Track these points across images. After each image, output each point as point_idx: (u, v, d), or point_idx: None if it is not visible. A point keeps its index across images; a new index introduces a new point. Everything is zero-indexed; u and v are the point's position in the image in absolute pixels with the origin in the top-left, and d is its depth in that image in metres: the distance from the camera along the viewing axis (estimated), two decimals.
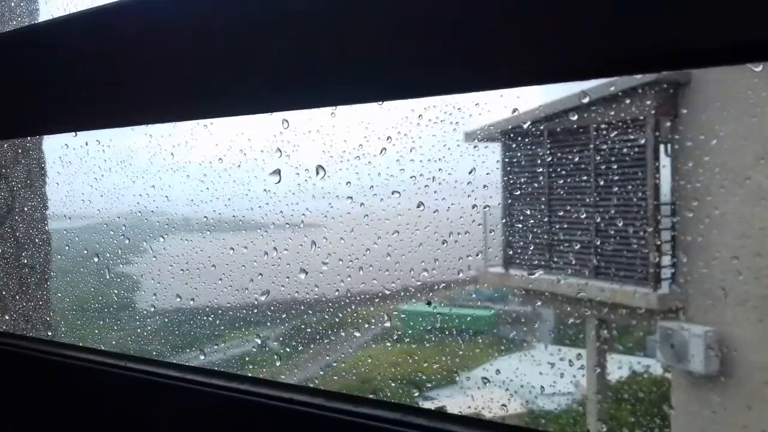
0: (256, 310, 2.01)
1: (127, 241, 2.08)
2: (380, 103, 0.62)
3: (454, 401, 2.06)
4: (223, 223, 1.98)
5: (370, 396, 0.78)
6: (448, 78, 0.50)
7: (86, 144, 1.90)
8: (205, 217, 1.98)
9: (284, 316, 1.95)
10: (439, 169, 1.58)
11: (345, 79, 0.55)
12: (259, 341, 2.40)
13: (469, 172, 1.55)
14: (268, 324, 2.11)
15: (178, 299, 2.11)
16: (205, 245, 2.01)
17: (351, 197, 1.61)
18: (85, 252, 2.18)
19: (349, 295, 1.74)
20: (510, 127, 2.61)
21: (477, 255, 1.82)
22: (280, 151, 1.50)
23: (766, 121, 2.11)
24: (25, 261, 2.02)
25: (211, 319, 2.12)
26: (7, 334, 1.21)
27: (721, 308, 2.39)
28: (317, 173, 1.53)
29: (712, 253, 2.36)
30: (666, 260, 2.58)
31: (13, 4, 1.97)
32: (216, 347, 2.43)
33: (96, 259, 2.14)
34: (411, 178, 1.58)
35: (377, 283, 1.73)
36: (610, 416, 2.64)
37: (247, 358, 2.48)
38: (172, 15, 0.66)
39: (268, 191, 1.66)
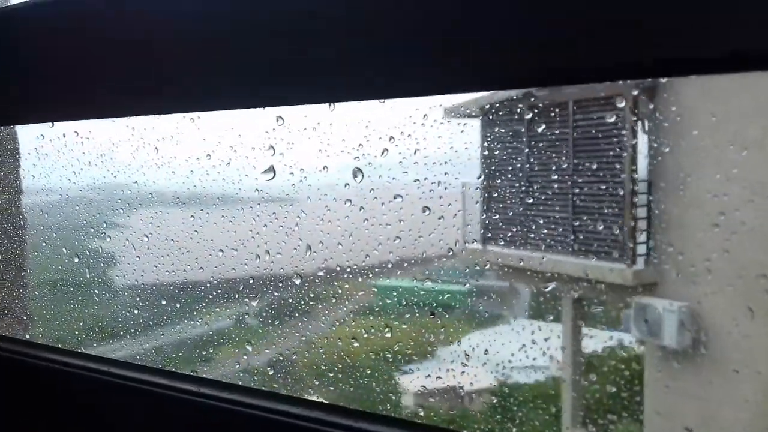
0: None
1: (108, 239, 2.04)
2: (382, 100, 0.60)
3: (431, 375, 2.07)
4: (212, 223, 1.91)
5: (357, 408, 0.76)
6: (445, 77, 0.49)
7: (64, 135, 1.79)
8: (192, 216, 1.90)
9: (262, 291, 1.93)
10: (445, 173, 1.54)
11: (341, 73, 0.54)
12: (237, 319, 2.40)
13: (450, 148, 1.52)
14: (246, 300, 2.10)
15: (163, 302, 2.08)
16: (192, 246, 1.92)
17: (350, 199, 1.53)
18: (64, 251, 2.12)
19: (325, 268, 1.71)
20: (489, 103, 2.61)
21: (455, 230, 1.81)
22: (273, 149, 1.41)
23: (744, 99, 2.13)
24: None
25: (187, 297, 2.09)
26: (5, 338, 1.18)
27: (695, 284, 2.42)
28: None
29: (687, 230, 2.38)
30: (641, 237, 2.60)
31: None
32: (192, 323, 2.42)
33: (76, 260, 2.09)
34: (414, 181, 1.54)
35: (354, 257, 1.70)
36: (584, 389, 2.68)
37: (224, 334, 2.47)
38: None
39: (260, 191, 1.59)
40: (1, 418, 1.07)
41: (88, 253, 2.12)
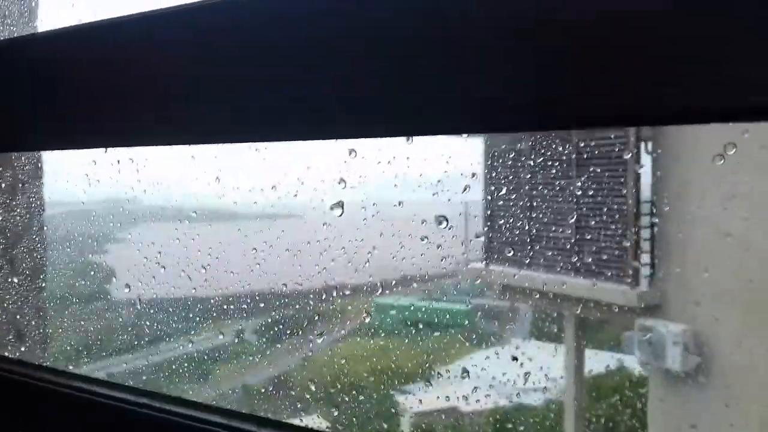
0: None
1: (162, 271, 2.00)
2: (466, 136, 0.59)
3: (430, 395, 2.06)
4: (275, 256, 1.82)
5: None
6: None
7: (118, 162, 1.70)
8: (254, 249, 1.81)
9: (263, 308, 1.91)
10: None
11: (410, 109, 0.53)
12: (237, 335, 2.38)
13: (447, 161, 1.48)
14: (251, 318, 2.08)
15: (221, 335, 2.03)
16: (254, 281, 1.86)
17: (426, 237, 1.45)
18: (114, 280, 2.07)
19: (327, 287, 1.68)
20: None
21: (458, 250, 1.79)
22: (344, 182, 1.33)
23: (747, 124, 2.12)
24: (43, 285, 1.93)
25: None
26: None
27: (699, 307, 2.40)
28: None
29: (691, 252, 2.37)
30: (645, 258, 2.59)
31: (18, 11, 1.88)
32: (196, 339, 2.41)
33: (127, 290, 2.03)
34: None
35: (356, 275, 1.67)
36: (586, 411, 2.65)
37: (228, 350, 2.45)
38: (204, 26, 0.63)
39: (328, 225, 1.50)
40: None
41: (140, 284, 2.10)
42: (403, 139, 0.91)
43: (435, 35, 0.49)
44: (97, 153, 1.68)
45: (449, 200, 1.44)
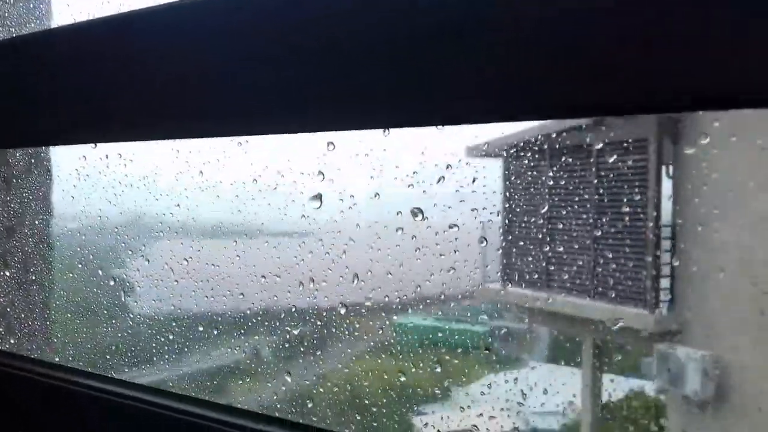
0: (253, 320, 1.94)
1: (147, 263, 2.01)
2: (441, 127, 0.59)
3: (446, 417, 2.04)
4: (255, 249, 1.86)
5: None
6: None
7: (106, 157, 1.73)
8: (235, 241, 1.87)
9: (278, 324, 1.90)
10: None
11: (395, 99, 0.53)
12: (252, 350, 2.37)
13: (473, 181, 1.49)
14: (263, 333, 2.06)
15: (200, 329, 2.03)
16: (233, 272, 1.87)
17: (402, 228, 1.46)
18: (100, 273, 2.08)
19: (343, 305, 1.68)
20: (512, 143, 2.60)
21: (475, 270, 1.78)
22: (323, 174, 1.36)
23: None
24: (33, 278, 1.93)
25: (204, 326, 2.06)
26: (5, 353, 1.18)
27: (719, 332, 2.37)
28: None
29: (711, 277, 2.35)
30: (664, 282, 2.56)
31: (31, 5, 1.90)
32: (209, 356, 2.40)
33: (112, 283, 2.04)
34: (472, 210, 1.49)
35: (374, 294, 1.67)
36: None
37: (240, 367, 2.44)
38: (204, 22, 0.64)
39: (307, 217, 1.52)
40: None
41: (124, 277, 2.10)
42: (379, 131, 0.93)
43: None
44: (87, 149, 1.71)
45: (424, 192, 1.45)
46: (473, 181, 1.47)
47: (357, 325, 1.93)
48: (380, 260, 1.59)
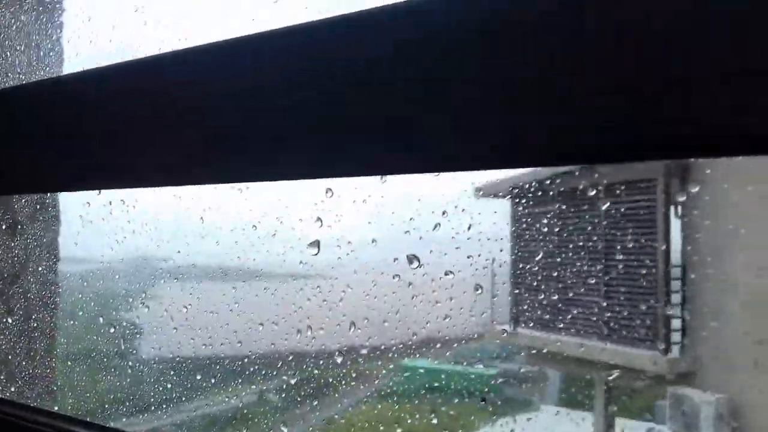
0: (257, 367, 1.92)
1: (146, 310, 2.00)
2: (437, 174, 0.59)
3: None
4: (254, 295, 1.84)
5: None
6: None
7: (110, 203, 1.73)
8: (234, 287, 1.85)
9: (281, 368, 1.88)
10: (501, 250, 1.49)
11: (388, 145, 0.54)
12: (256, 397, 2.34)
13: (468, 228, 1.48)
14: (266, 377, 2.04)
15: (198, 377, 2.01)
16: (232, 319, 1.86)
17: (398, 275, 1.46)
18: (101, 320, 2.07)
19: (348, 347, 1.66)
20: (520, 184, 2.61)
21: (484, 312, 1.77)
22: (321, 221, 1.36)
23: None
24: (35, 324, 1.91)
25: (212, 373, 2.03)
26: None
27: (733, 374, 2.33)
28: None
29: (724, 318, 2.32)
30: (676, 324, 2.53)
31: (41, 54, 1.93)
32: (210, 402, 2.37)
33: (112, 330, 2.04)
34: (468, 257, 1.48)
35: (378, 336, 1.65)
36: None
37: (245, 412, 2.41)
38: (196, 72, 0.65)
39: (304, 263, 1.51)
40: None
41: (124, 324, 2.09)
42: (377, 178, 0.92)
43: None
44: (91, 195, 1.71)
45: (420, 238, 1.44)
46: (469, 227, 1.47)
47: (354, 374, 1.92)
48: (377, 307, 1.59)
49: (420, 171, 0.55)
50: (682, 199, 2.46)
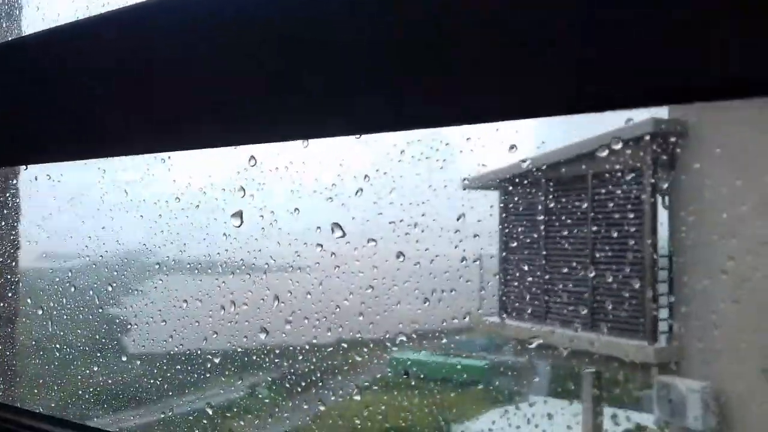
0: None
1: (72, 289, 1.93)
2: (358, 136, 0.58)
3: None
4: (178, 271, 1.79)
5: None
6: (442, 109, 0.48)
7: (36, 179, 1.70)
8: (158, 264, 1.80)
9: (253, 366, 1.84)
10: (423, 214, 1.48)
11: (310, 109, 0.52)
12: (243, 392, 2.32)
13: (457, 219, 1.46)
14: (248, 373, 2.01)
15: (123, 358, 1.96)
16: (156, 296, 1.81)
17: (321, 244, 1.44)
18: (29, 300, 2.01)
19: (338, 340, 1.64)
20: (507, 175, 2.60)
21: (472, 303, 1.76)
22: (244, 190, 1.35)
23: (764, 173, 2.11)
24: None
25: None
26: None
27: (720, 363, 2.35)
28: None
29: (711, 306, 2.33)
30: (663, 313, 2.55)
31: None
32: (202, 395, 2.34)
33: (40, 312, 1.96)
34: (390, 223, 1.46)
35: (369, 329, 1.63)
36: None
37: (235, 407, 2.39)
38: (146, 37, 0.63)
39: (228, 235, 1.49)
40: None
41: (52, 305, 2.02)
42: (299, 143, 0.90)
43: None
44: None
45: (343, 204, 1.41)
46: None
47: (353, 362, 1.89)
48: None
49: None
50: (668, 188, 2.46)
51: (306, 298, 1.56)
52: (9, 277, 1.88)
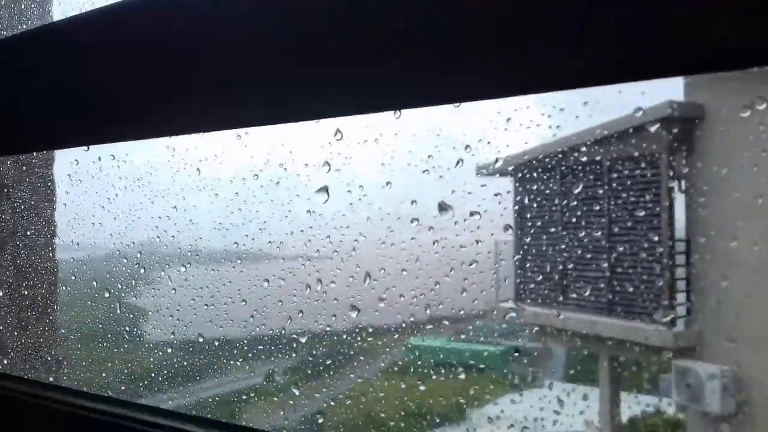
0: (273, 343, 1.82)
1: (142, 271, 1.87)
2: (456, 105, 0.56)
3: None
4: (257, 250, 1.72)
5: None
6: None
7: (99, 159, 1.61)
8: (236, 243, 1.73)
9: (294, 346, 1.84)
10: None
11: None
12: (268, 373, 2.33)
13: (483, 205, 1.42)
14: (278, 354, 2.01)
15: (200, 339, 1.92)
16: (234, 276, 1.75)
17: (417, 219, 1.36)
18: (94, 284, 1.94)
19: (358, 327, 1.63)
20: (523, 160, 2.60)
21: (489, 289, 1.74)
22: (329, 165, 1.25)
23: None
24: (26, 293, 1.83)
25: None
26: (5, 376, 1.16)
27: (738, 347, 2.34)
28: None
29: (728, 290, 2.32)
30: (681, 297, 2.54)
31: (23, 6, 1.80)
32: (217, 380, 2.36)
33: (107, 294, 1.92)
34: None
35: (388, 315, 1.62)
36: None
37: (255, 390, 2.41)
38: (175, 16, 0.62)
39: (312, 212, 1.42)
40: None
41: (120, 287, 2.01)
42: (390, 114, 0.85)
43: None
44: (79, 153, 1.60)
45: (441, 177, 1.34)
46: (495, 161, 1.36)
47: (373, 346, 1.88)
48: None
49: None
50: (686, 173, 2.45)
51: (401, 275, 1.50)
52: (48, 265, 1.87)
